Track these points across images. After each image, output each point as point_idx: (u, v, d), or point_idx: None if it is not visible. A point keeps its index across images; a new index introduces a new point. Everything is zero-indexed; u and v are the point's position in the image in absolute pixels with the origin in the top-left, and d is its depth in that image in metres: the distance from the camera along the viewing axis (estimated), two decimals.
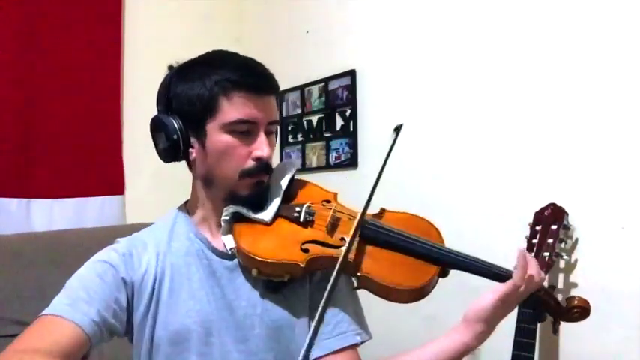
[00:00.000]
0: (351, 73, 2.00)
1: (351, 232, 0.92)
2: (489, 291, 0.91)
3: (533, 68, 1.49)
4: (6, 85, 1.87)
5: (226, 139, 0.93)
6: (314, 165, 2.15)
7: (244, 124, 0.93)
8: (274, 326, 0.96)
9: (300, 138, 2.22)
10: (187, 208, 1.04)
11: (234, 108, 0.92)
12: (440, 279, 0.95)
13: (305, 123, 2.20)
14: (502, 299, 0.89)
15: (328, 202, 1.03)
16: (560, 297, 1.41)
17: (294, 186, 1.06)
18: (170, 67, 1.01)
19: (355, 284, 0.92)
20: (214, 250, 0.98)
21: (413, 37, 1.81)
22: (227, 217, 0.97)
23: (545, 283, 0.99)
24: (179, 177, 1.15)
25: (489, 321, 0.91)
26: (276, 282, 0.95)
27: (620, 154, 1.33)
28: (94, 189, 2.05)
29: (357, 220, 0.93)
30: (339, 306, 0.97)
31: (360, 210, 0.95)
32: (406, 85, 1.83)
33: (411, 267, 0.93)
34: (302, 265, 0.90)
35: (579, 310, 0.96)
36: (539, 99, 1.48)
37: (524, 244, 1.37)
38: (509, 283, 0.90)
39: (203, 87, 0.93)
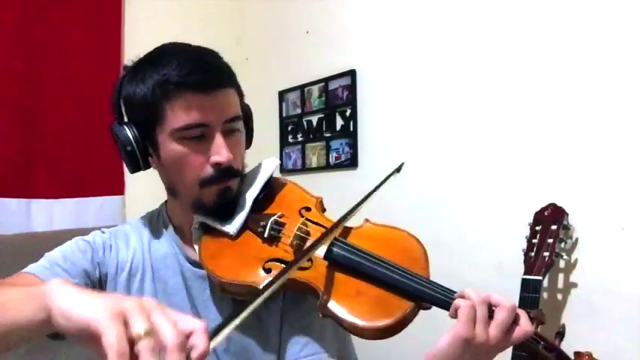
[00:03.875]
0: (351, 73, 2.00)
1: (311, 247, 0.79)
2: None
3: (533, 69, 1.49)
4: (6, 85, 1.87)
5: (178, 147, 0.84)
6: (314, 165, 2.15)
7: (195, 129, 0.83)
8: (242, 342, 0.89)
9: (300, 138, 2.22)
10: (167, 207, 1.00)
11: (179, 112, 0.82)
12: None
13: (305, 123, 2.20)
14: (458, 337, 0.73)
15: (308, 209, 0.91)
16: (560, 297, 1.41)
17: (273, 188, 0.96)
18: (125, 68, 0.93)
19: (320, 313, 0.78)
20: (187, 257, 0.94)
21: (413, 37, 1.81)
22: (196, 226, 0.91)
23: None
24: None
25: None
26: (240, 300, 0.86)
27: (620, 155, 1.33)
28: (94, 189, 2.05)
29: (316, 239, 0.80)
30: (313, 324, 0.87)
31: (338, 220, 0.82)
32: (406, 85, 1.83)
33: (380, 301, 0.78)
34: (261, 288, 0.76)
35: None
36: (539, 99, 1.48)
37: (525, 244, 1.37)
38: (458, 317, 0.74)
39: (146, 90, 0.84)
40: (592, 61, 1.38)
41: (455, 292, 0.78)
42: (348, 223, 0.88)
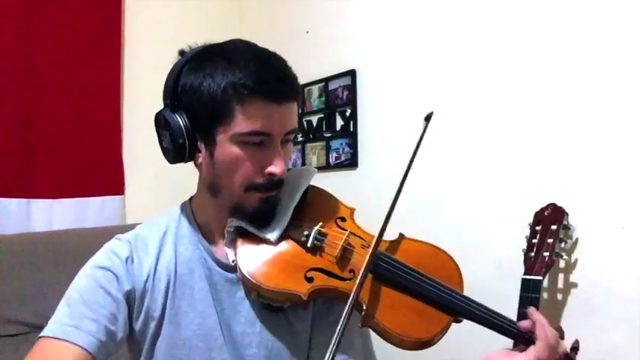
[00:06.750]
0: (351, 73, 2.00)
1: (361, 271, 0.80)
2: (515, 355, 0.80)
3: (533, 69, 1.49)
4: (6, 84, 1.87)
5: (236, 151, 0.83)
6: (314, 165, 2.15)
7: (258, 136, 0.82)
8: (272, 347, 0.88)
9: (300, 138, 2.22)
10: (192, 206, 0.96)
11: (248, 118, 0.81)
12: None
13: (305, 123, 2.20)
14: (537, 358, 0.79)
15: (343, 219, 0.92)
16: (560, 297, 1.41)
17: (309, 196, 0.96)
18: (181, 53, 0.89)
19: (360, 323, 0.82)
20: (216, 260, 0.91)
21: (413, 37, 1.81)
22: (231, 230, 0.88)
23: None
24: (179, 177, 1.14)
25: None
26: (275, 306, 0.87)
27: (620, 154, 1.33)
28: (94, 189, 2.05)
29: (367, 258, 0.81)
30: (345, 345, 0.86)
31: (375, 234, 0.85)
32: (406, 85, 1.83)
33: (422, 314, 0.83)
34: (304, 298, 0.81)
35: None
36: (539, 99, 1.48)
37: (525, 244, 1.37)
38: (539, 348, 0.80)
39: (216, 87, 0.81)
40: (592, 62, 1.38)
41: (493, 312, 0.84)
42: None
